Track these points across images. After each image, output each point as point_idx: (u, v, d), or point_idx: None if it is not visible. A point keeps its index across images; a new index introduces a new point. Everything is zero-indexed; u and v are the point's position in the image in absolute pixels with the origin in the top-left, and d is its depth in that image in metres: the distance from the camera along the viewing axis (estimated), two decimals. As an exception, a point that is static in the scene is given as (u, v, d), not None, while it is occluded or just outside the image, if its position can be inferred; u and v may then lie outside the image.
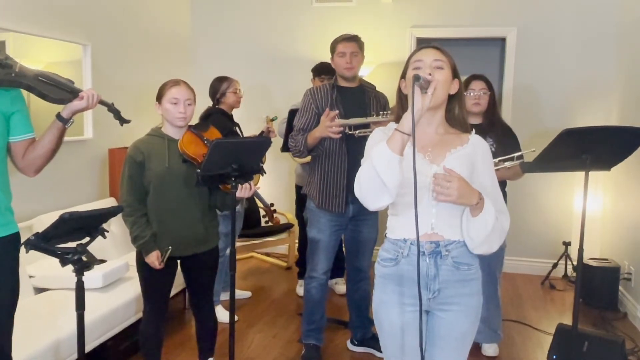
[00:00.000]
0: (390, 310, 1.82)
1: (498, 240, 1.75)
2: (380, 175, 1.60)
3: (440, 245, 1.75)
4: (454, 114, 1.84)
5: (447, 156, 1.76)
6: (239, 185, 2.50)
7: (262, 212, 4.90)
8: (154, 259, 2.52)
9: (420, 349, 1.65)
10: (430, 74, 1.69)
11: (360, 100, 3.11)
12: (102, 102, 2.21)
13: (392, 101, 2.00)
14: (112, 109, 2.30)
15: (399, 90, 1.85)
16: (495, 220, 1.69)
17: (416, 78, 1.59)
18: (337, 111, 2.94)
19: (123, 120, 2.34)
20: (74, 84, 2.14)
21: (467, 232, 1.73)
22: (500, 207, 1.77)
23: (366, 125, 2.95)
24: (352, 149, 3.00)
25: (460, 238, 1.76)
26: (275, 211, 4.69)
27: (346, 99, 3.09)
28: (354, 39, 3.12)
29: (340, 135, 2.90)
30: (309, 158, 3.27)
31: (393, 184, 1.61)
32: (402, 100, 1.84)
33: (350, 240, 3.28)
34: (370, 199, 1.67)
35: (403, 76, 1.82)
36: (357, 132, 2.95)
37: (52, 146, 2.07)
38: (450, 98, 1.81)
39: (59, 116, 2.07)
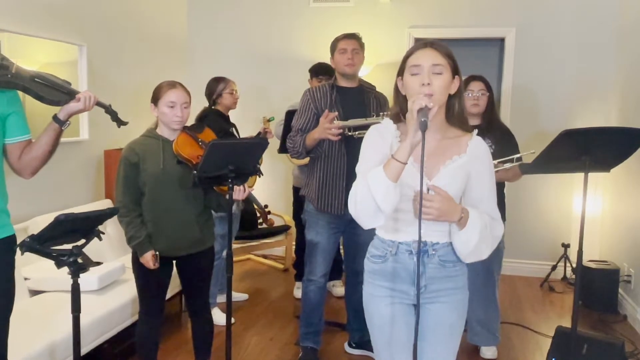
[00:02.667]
0: (379, 303, 1.85)
1: (488, 249, 1.78)
2: (376, 201, 1.63)
3: (428, 245, 1.78)
4: (454, 112, 1.80)
5: (441, 170, 1.75)
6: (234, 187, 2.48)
7: (258, 214, 4.88)
8: (149, 259, 2.52)
9: (414, 344, 1.64)
10: (429, 82, 1.67)
11: (359, 101, 3.09)
12: (99, 104, 2.19)
13: (391, 101, 1.98)
14: (109, 110, 2.29)
15: (396, 89, 1.84)
16: (480, 235, 1.71)
17: (422, 115, 1.55)
18: (336, 113, 2.92)
19: (120, 122, 2.32)
20: (71, 85, 2.12)
21: (454, 243, 1.78)
22: (494, 213, 1.80)
23: (365, 127, 2.92)
24: (351, 150, 2.97)
25: (447, 240, 1.79)
26: (269, 213, 4.67)
27: (346, 100, 3.07)
28: (356, 37, 3.11)
29: (340, 137, 2.88)
30: (307, 159, 3.25)
31: (389, 209, 1.65)
32: (400, 98, 1.83)
33: (349, 243, 3.26)
34: (365, 220, 1.72)
35: (400, 74, 1.80)
36: (356, 133, 2.93)
37: (48, 148, 2.06)
38: (450, 96, 1.78)
39: (55, 118, 2.06)
